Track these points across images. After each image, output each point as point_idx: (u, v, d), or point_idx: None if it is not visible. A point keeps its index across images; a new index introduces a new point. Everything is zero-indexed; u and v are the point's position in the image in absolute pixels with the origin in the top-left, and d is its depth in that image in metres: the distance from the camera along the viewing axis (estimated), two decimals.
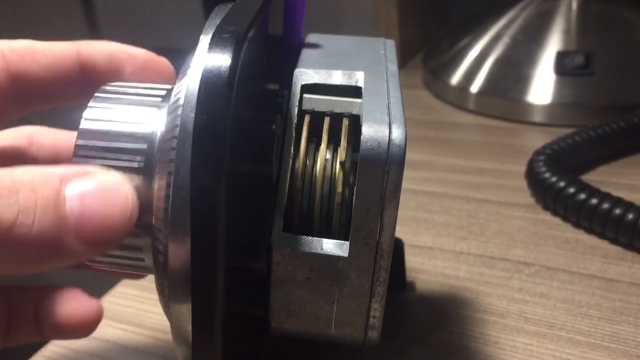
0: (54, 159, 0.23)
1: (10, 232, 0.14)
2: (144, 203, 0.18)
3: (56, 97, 0.22)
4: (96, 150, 0.18)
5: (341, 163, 0.19)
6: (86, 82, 0.22)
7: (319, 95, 0.20)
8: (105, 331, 0.28)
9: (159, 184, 0.17)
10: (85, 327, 0.20)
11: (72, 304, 0.20)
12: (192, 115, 0.15)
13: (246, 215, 0.18)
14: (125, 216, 0.16)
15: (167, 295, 0.16)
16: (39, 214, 0.15)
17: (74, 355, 0.27)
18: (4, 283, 0.21)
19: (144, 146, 0.18)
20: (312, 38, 0.25)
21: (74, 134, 0.22)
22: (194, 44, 0.17)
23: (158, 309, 0.21)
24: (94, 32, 0.90)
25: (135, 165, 0.18)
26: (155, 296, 0.20)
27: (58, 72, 0.21)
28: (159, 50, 0.23)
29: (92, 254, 0.16)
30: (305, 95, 0.20)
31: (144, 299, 0.29)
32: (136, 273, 0.22)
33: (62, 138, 0.24)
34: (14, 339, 0.21)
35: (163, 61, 0.23)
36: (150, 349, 0.27)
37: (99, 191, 0.16)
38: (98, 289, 0.30)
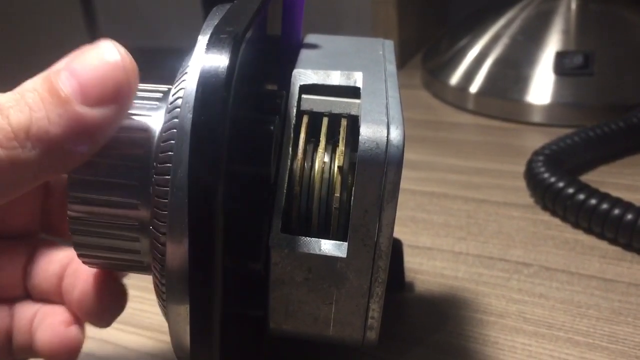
0: None
1: (30, 132, 0.16)
2: (143, 203, 0.18)
3: None
4: (93, 155, 0.18)
5: (339, 164, 0.19)
6: None
7: (318, 96, 0.20)
8: (104, 331, 0.27)
9: (156, 185, 0.17)
10: (59, 358, 0.21)
11: (48, 333, 0.21)
12: (190, 116, 0.15)
13: (244, 216, 0.18)
14: (118, 64, 0.17)
15: (166, 296, 0.16)
16: (47, 104, 0.16)
17: None
18: (8, 295, 0.22)
19: (140, 152, 0.18)
20: (310, 38, 0.25)
21: None
22: (192, 44, 0.17)
23: (156, 309, 0.21)
24: (92, 31, 0.90)
25: (133, 170, 0.18)
26: (154, 296, 0.20)
27: None
28: (157, 50, 0.23)
29: (114, 114, 0.17)
30: (304, 96, 0.20)
31: (142, 299, 0.29)
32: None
33: None
34: (17, 353, 0.22)
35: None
36: (149, 350, 0.27)
37: (87, 59, 0.17)
38: None
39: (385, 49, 0.24)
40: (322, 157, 0.19)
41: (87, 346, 0.27)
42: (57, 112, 0.16)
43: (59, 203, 0.23)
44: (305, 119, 0.20)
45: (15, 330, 0.22)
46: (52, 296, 0.22)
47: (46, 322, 0.21)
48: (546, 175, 0.34)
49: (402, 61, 0.61)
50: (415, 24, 0.63)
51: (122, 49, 0.17)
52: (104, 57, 0.17)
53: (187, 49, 0.18)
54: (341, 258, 0.18)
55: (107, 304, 0.22)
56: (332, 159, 0.19)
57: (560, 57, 0.46)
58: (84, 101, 0.16)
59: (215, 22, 0.17)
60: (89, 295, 0.21)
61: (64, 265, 0.22)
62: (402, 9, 0.58)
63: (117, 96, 0.17)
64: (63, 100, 0.16)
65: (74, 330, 0.21)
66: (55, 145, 0.16)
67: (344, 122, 0.19)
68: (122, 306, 0.22)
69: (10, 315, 0.22)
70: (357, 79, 0.20)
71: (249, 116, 0.18)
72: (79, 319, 0.22)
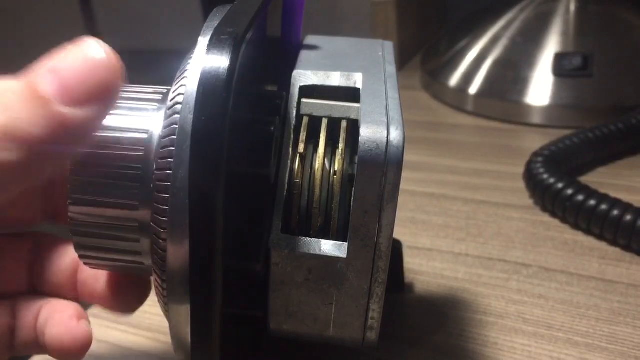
0: None
1: (9, 133, 0.15)
2: (144, 204, 0.18)
3: None
4: (93, 157, 0.18)
5: (339, 164, 0.19)
6: None
7: (317, 100, 0.20)
8: (105, 332, 0.28)
9: (157, 186, 0.17)
10: (70, 354, 0.21)
11: (59, 329, 0.21)
12: (191, 116, 0.15)
13: (245, 216, 0.18)
14: (103, 62, 0.16)
15: (166, 297, 0.16)
16: (26, 105, 0.15)
17: None
18: (11, 290, 0.22)
19: (140, 153, 0.18)
20: (310, 40, 0.25)
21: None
22: (192, 45, 0.17)
23: (157, 310, 0.21)
24: (92, 33, 0.90)
25: (133, 171, 0.18)
26: (154, 297, 0.20)
27: None
28: (158, 52, 0.23)
29: (97, 114, 0.16)
30: (304, 100, 0.20)
31: None
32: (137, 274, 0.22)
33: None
34: (19, 349, 0.21)
35: None
36: (150, 350, 0.27)
37: (70, 57, 0.16)
38: None
39: (385, 50, 0.24)
40: (322, 158, 0.19)
41: None
42: (39, 113, 0.15)
43: (62, 190, 0.22)
44: (305, 120, 0.20)
45: (19, 326, 0.21)
46: (64, 290, 0.22)
47: (56, 317, 0.21)
48: (545, 176, 0.34)
49: (401, 62, 0.61)
50: (415, 25, 0.63)
51: (107, 47, 0.16)
52: (87, 55, 0.16)
53: (187, 50, 0.18)
54: (341, 258, 0.18)
55: (134, 291, 0.22)
56: (332, 160, 0.19)
57: (559, 58, 0.46)
58: (66, 101, 0.16)
59: (216, 23, 0.17)
60: (116, 285, 0.21)
61: (77, 259, 0.21)
62: (401, 10, 0.58)
63: (100, 96, 0.16)
64: (44, 101, 0.15)
65: (84, 324, 0.21)
66: (38, 147, 0.15)
67: (344, 123, 0.19)
68: (149, 290, 0.22)
69: (13, 312, 0.21)
70: (357, 80, 0.20)
71: (250, 117, 0.18)
72: (84, 314, 0.22)
